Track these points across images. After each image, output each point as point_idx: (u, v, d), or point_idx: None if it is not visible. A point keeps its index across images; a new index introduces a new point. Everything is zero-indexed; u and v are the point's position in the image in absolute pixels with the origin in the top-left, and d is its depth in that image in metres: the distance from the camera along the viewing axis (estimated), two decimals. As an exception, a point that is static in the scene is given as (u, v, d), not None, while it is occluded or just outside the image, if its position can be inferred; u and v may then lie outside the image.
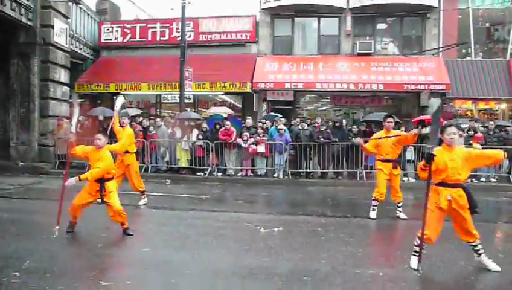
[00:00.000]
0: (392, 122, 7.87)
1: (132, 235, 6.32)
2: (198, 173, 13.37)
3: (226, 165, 13.48)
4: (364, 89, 16.98)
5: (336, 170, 12.74)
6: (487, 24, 19.33)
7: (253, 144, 12.99)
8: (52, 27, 14.78)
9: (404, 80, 16.74)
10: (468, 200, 4.96)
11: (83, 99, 18.08)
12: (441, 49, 17.84)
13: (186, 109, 17.09)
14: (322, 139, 12.52)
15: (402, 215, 7.90)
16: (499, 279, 4.89)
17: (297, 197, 10.51)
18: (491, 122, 13.58)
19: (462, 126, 12.82)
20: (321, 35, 18.93)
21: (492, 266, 5.06)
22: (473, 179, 12.20)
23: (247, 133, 13.29)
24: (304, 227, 7.25)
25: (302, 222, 7.64)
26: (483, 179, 12.62)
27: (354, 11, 18.10)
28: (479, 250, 5.13)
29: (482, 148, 7.62)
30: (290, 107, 18.36)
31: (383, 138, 7.72)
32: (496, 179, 12.65)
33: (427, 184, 5.08)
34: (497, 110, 18.21)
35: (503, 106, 18.07)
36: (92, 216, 6.95)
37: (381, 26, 18.94)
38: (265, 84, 17.41)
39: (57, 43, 15.06)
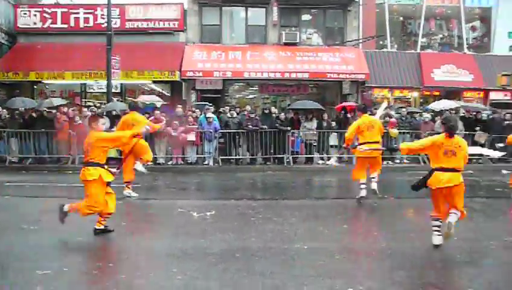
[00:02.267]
0: None
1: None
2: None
3: (156, 154, 13.45)
4: (290, 77, 17.70)
5: (264, 156, 13.25)
6: (401, 18, 20.89)
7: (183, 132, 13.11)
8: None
9: (327, 69, 17.67)
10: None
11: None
12: (360, 41, 19.00)
13: (113, 98, 16.68)
14: (250, 126, 12.96)
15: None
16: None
17: (228, 183, 10.87)
18: (403, 109, 14.84)
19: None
20: (249, 25, 19.32)
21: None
22: (389, 161, 13.31)
23: (177, 122, 13.37)
24: (235, 210, 7.62)
25: (233, 206, 8.01)
26: (397, 161, 13.80)
27: (280, 2, 18.68)
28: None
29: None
30: (219, 96, 18.61)
31: None
32: (408, 160, 13.88)
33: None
34: (409, 98, 19.84)
35: (415, 94, 19.73)
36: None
37: (306, 17, 19.72)
38: (194, 72, 17.50)
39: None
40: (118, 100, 17.32)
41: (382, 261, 5.02)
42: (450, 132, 5.32)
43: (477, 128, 13.92)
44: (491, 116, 14.79)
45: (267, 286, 4.25)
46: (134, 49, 17.43)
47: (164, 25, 18.66)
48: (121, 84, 17.97)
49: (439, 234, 5.35)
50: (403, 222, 7.12)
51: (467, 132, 13.68)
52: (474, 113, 14.71)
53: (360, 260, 5.02)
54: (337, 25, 19.57)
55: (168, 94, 19.19)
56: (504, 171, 12.46)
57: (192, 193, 10.17)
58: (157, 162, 13.35)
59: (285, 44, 18.56)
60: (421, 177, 5.52)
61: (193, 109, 15.08)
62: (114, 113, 13.92)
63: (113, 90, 16.37)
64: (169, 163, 13.38)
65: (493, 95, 19.15)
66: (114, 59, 15.14)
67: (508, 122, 14.17)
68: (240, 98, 20.95)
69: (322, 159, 13.47)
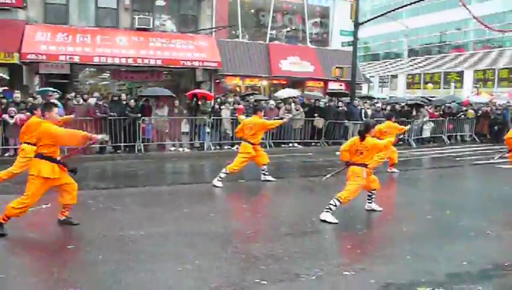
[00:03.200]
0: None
1: None
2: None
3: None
4: (143, 63, 17.32)
5: (114, 144, 12.86)
6: (252, 10, 21.95)
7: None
8: None
9: (181, 57, 17.76)
10: None
11: None
12: (213, 30, 19.48)
13: None
14: (98, 114, 12.45)
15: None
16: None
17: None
18: (251, 97, 15.76)
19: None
20: (99, 7, 18.28)
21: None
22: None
23: (15, 109, 12.17)
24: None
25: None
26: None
27: (132, -15, 18.10)
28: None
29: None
30: (67, 81, 17.36)
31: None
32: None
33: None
34: (259, 86, 21.10)
35: (264, 82, 21.06)
36: None
37: (159, 3, 19.37)
38: (36, 55, 15.99)
39: None
40: None
41: (212, 241, 5.38)
42: (360, 136, 6.36)
43: (316, 114, 15.47)
44: (327, 104, 16.55)
45: (99, 274, 4.29)
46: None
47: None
48: None
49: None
50: (243, 204, 7.70)
51: (307, 118, 15.17)
52: (313, 101, 16.28)
53: (192, 241, 5.32)
54: (191, 13, 19.71)
55: (8, 78, 17.24)
56: (337, 153, 14.23)
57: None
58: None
59: (138, 29, 18.08)
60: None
61: (34, 95, 13.83)
62: None
63: None
64: (5, 154, 12.13)
65: (331, 85, 21.45)
66: None
67: (340, 108, 16.06)
68: (92, 85, 19.84)
69: (173, 146, 13.60)
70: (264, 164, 9.07)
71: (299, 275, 4.26)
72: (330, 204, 6.13)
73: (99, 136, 5.99)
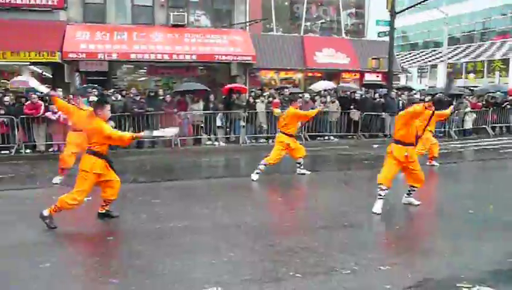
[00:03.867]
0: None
1: None
2: (3, 152, 12.27)
3: (35, 141, 12.65)
4: (179, 59, 17.56)
5: (152, 139, 13.10)
6: (286, 3, 21.79)
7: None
8: None
9: (216, 51, 17.87)
10: None
11: None
12: (247, 24, 19.49)
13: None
14: (136, 109, 12.74)
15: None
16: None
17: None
18: (286, 90, 15.69)
19: None
20: (135, 4, 18.68)
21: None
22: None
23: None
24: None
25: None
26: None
27: (167, -18, 18.35)
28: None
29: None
30: (106, 78, 17.87)
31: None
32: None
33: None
34: (294, 79, 20.96)
35: (299, 75, 20.90)
36: None
37: (194, -1, 19.63)
38: (76, 54, 16.55)
39: None
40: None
41: (247, 234, 5.41)
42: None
43: (352, 106, 15.23)
44: (363, 96, 16.26)
45: (137, 265, 4.40)
46: (8, 27, 15.95)
47: (42, 1, 17.26)
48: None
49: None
50: (278, 197, 7.71)
51: (343, 111, 14.96)
52: (349, 93, 16.03)
53: (227, 234, 5.37)
54: (225, 8, 19.78)
55: (50, 76, 17.94)
56: (375, 146, 13.99)
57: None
58: (37, 149, 12.58)
59: (173, 26, 18.32)
60: None
61: (76, 92, 14.29)
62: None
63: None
64: (50, 150, 12.65)
65: (367, 76, 21.01)
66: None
67: (377, 100, 15.74)
68: (130, 81, 20.28)
69: (209, 140, 13.76)
70: (300, 157, 9.00)
71: (334, 268, 4.22)
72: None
73: (141, 134, 6.12)
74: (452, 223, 5.86)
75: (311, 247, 4.85)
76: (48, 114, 12.50)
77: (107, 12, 18.33)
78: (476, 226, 5.71)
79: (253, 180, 8.49)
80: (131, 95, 13.59)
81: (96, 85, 15.18)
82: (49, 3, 17.32)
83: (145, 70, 19.46)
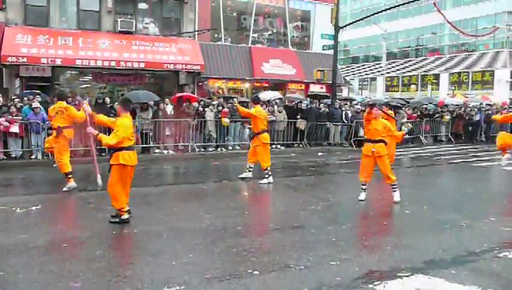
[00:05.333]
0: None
1: None
2: None
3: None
4: (126, 66, 17.41)
5: (97, 147, 12.84)
6: (234, 14, 22.24)
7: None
8: None
9: (164, 60, 17.90)
10: None
11: None
12: (196, 33, 19.67)
13: None
14: (83, 116, 12.46)
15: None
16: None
17: (57, 177, 10.35)
18: (235, 99, 15.99)
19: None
20: (81, 9, 18.31)
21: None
22: (222, 148, 14.30)
23: (-5, 112, 12.10)
24: (61, 203, 7.49)
25: (63, 199, 7.84)
26: (230, 148, 14.84)
27: (114, -12, 18.16)
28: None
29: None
30: (49, 84, 17.29)
31: None
32: (241, 146, 15.04)
33: None
34: (242, 89, 21.38)
35: (247, 85, 21.36)
36: None
37: (142, 6, 19.53)
38: (17, 58, 15.93)
39: None
40: None
41: (204, 237, 5.58)
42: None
43: (298, 116, 15.78)
44: (309, 106, 16.90)
45: (93, 270, 4.45)
46: None
47: (-24, 1, 16.47)
48: None
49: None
50: (231, 202, 7.94)
51: (289, 120, 15.48)
52: (295, 103, 16.61)
53: (185, 238, 5.52)
54: (174, 16, 19.87)
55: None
56: (319, 154, 14.61)
57: (15, 189, 9.45)
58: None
59: (121, 32, 18.15)
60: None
61: (13, 98, 13.73)
62: None
63: None
64: (-11, 158, 12.04)
65: (312, 87, 21.88)
66: None
67: (322, 110, 16.43)
68: (73, 87, 19.67)
69: (158, 148, 13.72)
70: (255, 162, 9.59)
71: (289, 265, 4.52)
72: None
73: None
74: (392, 222, 6.42)
75: (265, 247, 5.14)
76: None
77: (50, 16, 17.82)
78: (413, 224, 6.30)
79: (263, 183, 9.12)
80: (77, 102, 13.26)
81: (39, 91, 14.73)
82: (-16, 3, 16.55)
83: (90, 77, 19.03)
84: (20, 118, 12.26)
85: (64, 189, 8.25)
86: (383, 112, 7.93)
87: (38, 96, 13.51)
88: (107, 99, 14.00)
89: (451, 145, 17.78)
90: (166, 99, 14.22)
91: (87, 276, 4.25)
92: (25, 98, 13.50)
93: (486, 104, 21.84)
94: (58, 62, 16.50)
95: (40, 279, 4.22)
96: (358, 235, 5.94)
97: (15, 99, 13.40)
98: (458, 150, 16.08)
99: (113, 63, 17.09)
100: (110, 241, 5.44)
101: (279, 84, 21.30)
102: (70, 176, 8.38)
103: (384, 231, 6.10)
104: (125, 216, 6.07)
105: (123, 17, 18.57)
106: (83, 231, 5.76)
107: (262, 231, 5.79)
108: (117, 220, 6.06)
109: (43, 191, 8.81)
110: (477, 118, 18.94)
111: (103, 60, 16.97)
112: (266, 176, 9.21)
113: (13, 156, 12.34)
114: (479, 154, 15.00)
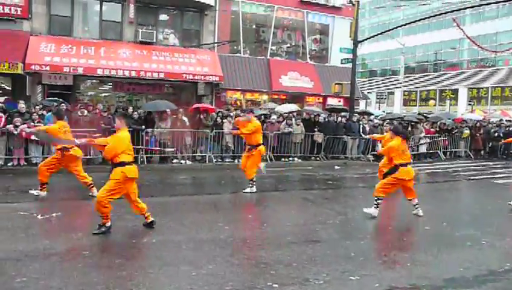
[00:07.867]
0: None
1: None
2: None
3: (-6, 155, 12.26)
4: (146, 76, 17.62)
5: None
6: (253, 26, 22.43)
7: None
8: None
9: (183, 70, 18.09)
10: None
11: None
12: (215, 44, 19.89)
13: None
14: (103, 125, 12.68)
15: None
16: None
17: (77, 183, 10.48)
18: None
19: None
20: (103, 20, 18.69)
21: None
22: (239, 159, 14.31)
23: (20, 119, 12.37)
24: (83, 209, 7.59)
25: (84, 205, 7.95)
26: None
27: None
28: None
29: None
30: (70, 92, 17.63)
31: None
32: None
33: None
34: (260, 101, 21.46)
35: (265, 97, 21.43)
36: None
37: (163, 17, 19.86)
38: (40, 66, 16.27)
39: None
40: None
41: (223, 248, 5.60)
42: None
43: (316, 129, 15.77)
44: (326, 119, 16.87)
45: (113, 278, 4.49)
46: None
47: (5, 10, 16.91)
48: None
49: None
50: (248, 214, 7.96)
51: (307, 133, 15.46)
52: (313, 115, 16.60)
53: (204, 248, 5.54)
54: (193, 28, 20.13)
55: (9, 88, 17.48)
56: (337, 167, 14.55)
57: (35, 195, 9.60)
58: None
59: (141, 42, 18.44)
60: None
61: (39, 105, 14.04)
62: None
63: None
64: (9, 165, 12.28)
65: (330, 101, 21.84)
66: None
67: (339, 123, 16.38)
68: (92, 96, 20.06)
69: (176, 158, 13.82)
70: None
71: (308, 279, 4.50)
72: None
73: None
74: (412, 237, 6.34)
75: (284, 260, 5.12)
76: (9, 127, 12.21)
77: (74, 26, 18.21)
78: (432, 241, 6.21)
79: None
80: (98, 111, 13.52)
81: (61, 99, 15.03)
82: (12, 12, 16.98)
83: (110, 86, 19.33)
84: (42, 124, 12.48)
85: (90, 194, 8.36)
86: None
87: (63, 104, 13.79)
88: (130, 109, 14.09)
89: (470, 161, 17.52)
90: (181, 110, 14.31)
91: (108, 285, 4.29)
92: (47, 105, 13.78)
93: (506, 120, 21.52)
94: (80, 71, 16.81)
95: (61, 286, 4.27)
96: (377, 251, 5.89)
97: (37, 106, 13.70)
98: (477, 166, 15.84)
99: (133, 73, 17.33)
100: (129, 250, 5.49)
101: (296, 97, 21.34)
102: (91, 185, 8.48)
103: (403, 247, 6.04)
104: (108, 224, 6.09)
105: (144, 27, 18.87)
106: (103, 239, 5.83)
107: (281, 244, 5.76)
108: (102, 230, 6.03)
109: (64, 197, 8.93)
110: (498, 133, 18.68)
111: (124, 69, 17.23)
112: (250, 185, 9.36)
113: (34, 162, 12.56)
114: (499, 170, 14.76)
